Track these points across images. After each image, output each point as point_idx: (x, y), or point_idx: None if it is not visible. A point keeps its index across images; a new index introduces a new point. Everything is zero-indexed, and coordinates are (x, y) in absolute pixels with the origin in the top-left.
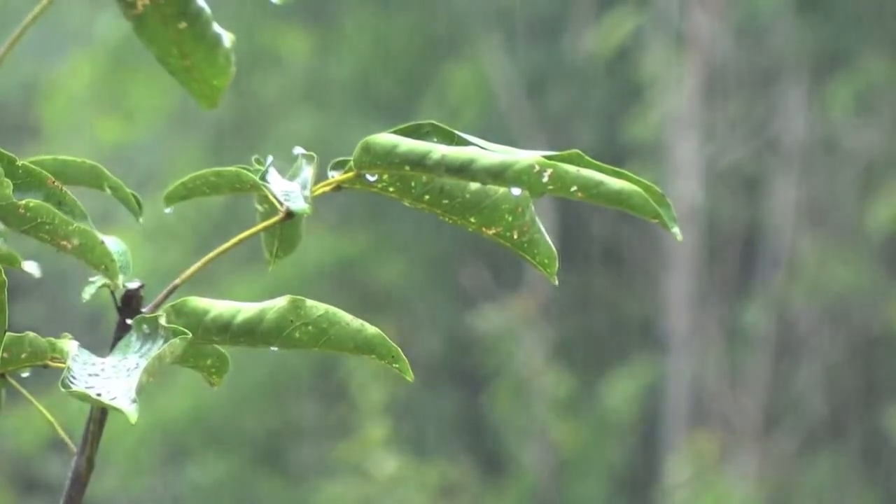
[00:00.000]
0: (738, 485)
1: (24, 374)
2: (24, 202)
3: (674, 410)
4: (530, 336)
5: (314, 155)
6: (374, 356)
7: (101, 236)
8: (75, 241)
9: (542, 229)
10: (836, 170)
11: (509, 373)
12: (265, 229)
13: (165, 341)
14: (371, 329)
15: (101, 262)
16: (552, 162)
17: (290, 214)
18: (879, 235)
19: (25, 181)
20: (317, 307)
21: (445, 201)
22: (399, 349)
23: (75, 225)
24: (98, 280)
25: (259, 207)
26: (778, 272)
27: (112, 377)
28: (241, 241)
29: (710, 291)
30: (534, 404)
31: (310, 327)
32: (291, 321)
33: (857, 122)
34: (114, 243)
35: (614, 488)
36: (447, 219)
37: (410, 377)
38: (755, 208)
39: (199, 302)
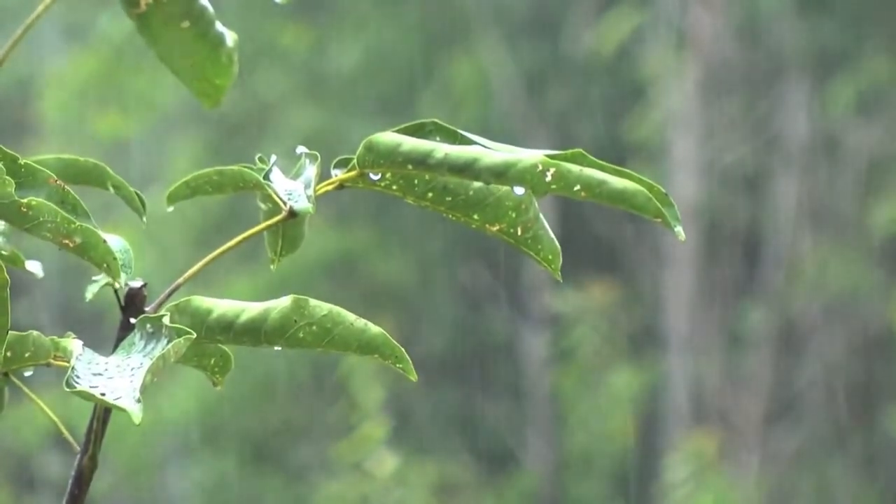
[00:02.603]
0: (737, 484)
1: (28, 373)
2: (26, 200)
3: (674, 410)
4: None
5: (317, 154)
6: (377, 356)
7: (103, 235)
8: (77, 240)
9: (546, 225)
10: (838, 169)
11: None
12: (268, 228)
13: (169, 341)
14: (374, 329)
15: (103, 261)
16: (555, 161)
17: (293, 214)
18: (880, 235)
19: (27, 179)
20: (320, 307)
21: (448, 199)
22: (402, 350)
23: (77, 223)
24: (101, 279)
25: (262, 206)
26: (778, 271)
27: (116, 376)
28: (244, 240)
29: (711, 291)
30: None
31: (314, 327)
32: (295, 321)
33: (858, 121)
34: (116, 242)
35: (614, 487)
36: (450, 216)
37: (414, 377)
38: (756, 207)
39: (202, 301)
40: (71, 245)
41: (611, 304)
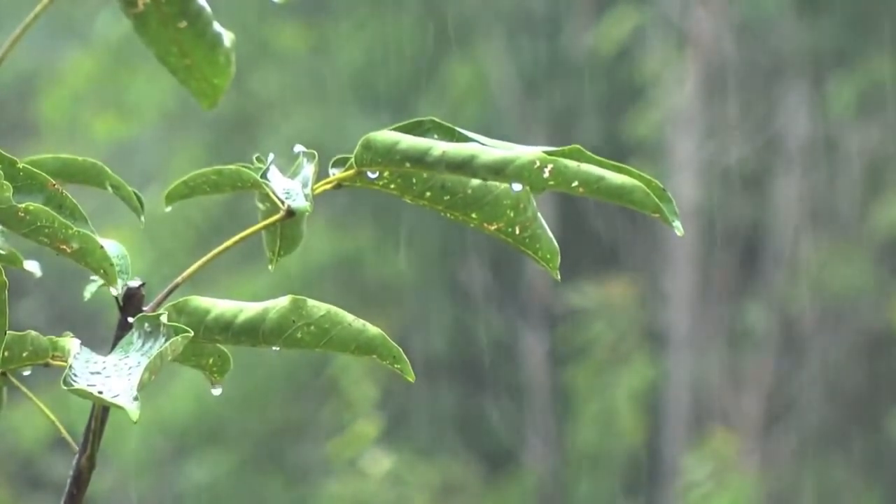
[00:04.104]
0: (738, 484)
1: (26, 373)
2: (23, 205)
3: (673, 409)
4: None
5: (315, 153)
6: (375, 357)
7: (100, 240)
8: (74, 245)
9: (544, 224)
10: (838, 169)
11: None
12: (266, 228)
13: (167, 339)
14: (373, 330)
15: (100, 267)
16: (553, 157)
17: (291, 213)
18: (881, 235)
19: (26, 184)
20: (318, 307)
21: (447, 198)
22: (400, 350)
23: (75, 229)
24: (99, 279)
25: (260, 206)
26: (779, 271)
27: (113, 375)
28: (242, 239)
29: (711, 290)
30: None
31: (312, 328)
32: (293, 321)
33: (858, 121)
34: (113, 247)
35: (614, 487)
36: (449, 215)
37: (412, 378)
38: (756, 207)
39: (200, 301)
40: (68, 250)
41: (616, 303)
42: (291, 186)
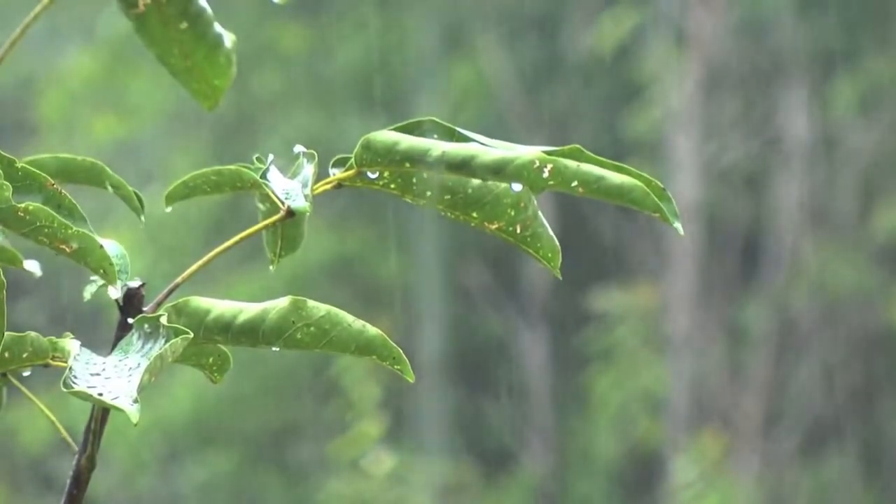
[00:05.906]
0: (738, 484)
1: (26, 373)
2: (23, 205)
3: (674, 410)
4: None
5: (315, 153)
6: (375, 357)
7: (99, 240)
8: (74, 245)
9: (545, 223)
10: (838, 169)
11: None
12: (267, 228)
13: (167, 341)
14: (372, 330)
15: (100, 266)
16: (552, 157)
17: (291, 213)
18: (881, 235)
19: (25, 184)
20: (318, 308)
21: (447, 197)
22: (400, 350)
23: (74, 229)
24: (99, 279)
25: (261, 206)
26: (779, 271)
27: (113, 377)
28: (242, 239)
29: (711, 290)
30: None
31: (311, 328)
32: (293, 322)
33: (858, 121)
34: (112, 247)
35: (613, 487)
36: (449, 214)
37: (412, 378)
38: (756, 207)
39: (200, 302)
40: (67, 250)
41: (618, 304)
42: (291, 187)
